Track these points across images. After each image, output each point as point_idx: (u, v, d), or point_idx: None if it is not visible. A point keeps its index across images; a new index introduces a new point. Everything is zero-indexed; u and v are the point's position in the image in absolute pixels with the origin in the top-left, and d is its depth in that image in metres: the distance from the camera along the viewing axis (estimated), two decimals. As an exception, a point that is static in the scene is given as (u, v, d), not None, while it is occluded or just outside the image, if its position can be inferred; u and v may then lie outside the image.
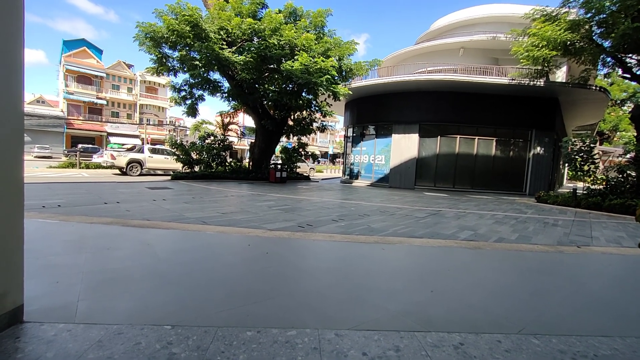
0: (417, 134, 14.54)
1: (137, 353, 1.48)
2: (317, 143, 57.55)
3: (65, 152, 28.84)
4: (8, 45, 1.54)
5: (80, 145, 27.70)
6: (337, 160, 52.90)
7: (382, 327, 1.86)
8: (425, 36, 23.60)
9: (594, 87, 12.65)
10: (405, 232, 4.80)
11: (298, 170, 17.56)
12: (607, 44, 10.37)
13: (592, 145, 10.34)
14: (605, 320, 2.13)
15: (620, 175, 9.86)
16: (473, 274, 3.04)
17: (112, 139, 35.43)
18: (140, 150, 15.32)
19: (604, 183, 10.10)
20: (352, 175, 17.28)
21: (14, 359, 1.40)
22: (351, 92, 14.20)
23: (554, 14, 10.46)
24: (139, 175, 14.28)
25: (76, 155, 18.47)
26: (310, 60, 11.56)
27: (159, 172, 15.62)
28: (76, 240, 3.40)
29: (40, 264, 2.57)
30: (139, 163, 14.57)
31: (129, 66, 42.06)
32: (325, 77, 11.83)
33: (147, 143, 27.64)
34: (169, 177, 13.15)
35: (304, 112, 15.51)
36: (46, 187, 8.17)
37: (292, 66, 11.44)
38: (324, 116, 15.51)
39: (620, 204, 8.48)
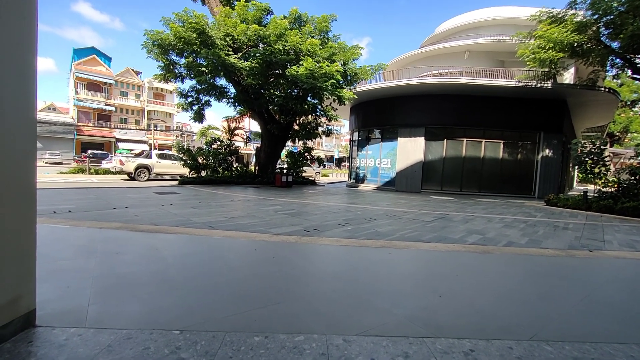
0: (423, 137, 14.46)
1: (146, 358, 1.49)
2: (322, 147, 57.67)
3: (75, 158, 29.36)
4: (21, 53, 1.58)
5: (89, 151, 28.21)
6: (343, 164, 52.94)
7: (390, 332, 1.84)
8: (430, 39, 23.62)
9: (602, 89, 12.47)
10: (412, 236, 4.76)
11: (304, 174, 17.59)
12: (615, 45, 10.24)
13: (602, 147, 10.16)
14: (620, 327, 2.07)
15: (633, 178, 9.65)
16: (482, 278, 3.00)
17: (121, 145, 36.01)
18: (148, 156, 15.52)
19: (615, 185, 9.90)
20: (358, 179, 17.25)
21: (26, 363, 1.42)
22: (356, 96, 14.22)
23: (560, 16, 10.38)
24: (147, 180, 14.46)
25: (86, 161, 18.78)
26: (315, 65, 11.63)
27: (167, 177, 15.80)
28: (86, 244, 3.45)
29: (52, 269, 2.61)
30: (147, 168, 14.76)
31: (137, 73, 42.85)
32: (330, 81, 11.88)
33: (155, 148, 27.99)
34: (176, 182, 13.29)
35: (310, 117, 15.57)
36: (57, 193, 8.32)
37: (297, 71, 11.52)
38: (330, 120, 15.56)
39: (633, 206, 8.29)
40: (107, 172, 17.26)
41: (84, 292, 2.20)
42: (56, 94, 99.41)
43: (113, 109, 39.26)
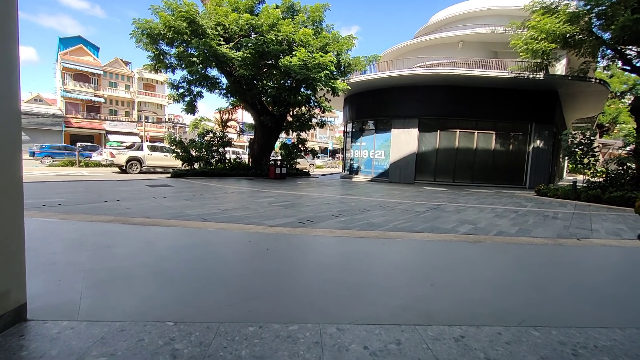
0: (417, 129, 14.50)
1: (140, 349, 1.49)
2: (316, 139, 57.42)
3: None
4: (2, 42, 1.52)
5: (79, 144, 27.60)
6: (337, 155, 52.84)
7: (382, 321, 1.87)
8: (424, 30, 23.44)
9: (593, 80, 12.60)
10: (405, 227, 4.81)
11: (298, 166, 17.55)
12: (606, 36, 10.30)
13: (592, 137, 10.33)
14: (604, 312, 2.14)
15: (620, 168, 9.86)
16: (473, 267, 3.06)
17: (111, 137, 35.31)
18: (140, 148, 15.27)
19: (603, 175, 10.10)
20: (352, 171, 17.28)
21: (18, 356, 1.41)
22: (350, 88, 14.12)
23: (553, 6, 10.38)
24: (139, 173, 14.26)
25: (75, 153, 18.41)
26: (308, 56, 11.48)
27: (159, 169, 15.60)
28: (77, 238, 3.41)
29: (42, 263, 2.58)
30: (139, 161, 14.54)
31: (127, 63, 41.78)
32: (324, 72, 11.77)
33: (146, 140, 27.54)
34: (169, 175, 13.14)
35: (303, 108, 15.45)
36: (46, 186, 8.17)
37: (291, 62, 11.37)
38: (323, 112, 15.48)
39: (620, 196, 8.49)
40: (97, 164, 16.95)
41: (75, 285, 2.18)
42: (42, 84, 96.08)
43: (102, 100, 38.33)
